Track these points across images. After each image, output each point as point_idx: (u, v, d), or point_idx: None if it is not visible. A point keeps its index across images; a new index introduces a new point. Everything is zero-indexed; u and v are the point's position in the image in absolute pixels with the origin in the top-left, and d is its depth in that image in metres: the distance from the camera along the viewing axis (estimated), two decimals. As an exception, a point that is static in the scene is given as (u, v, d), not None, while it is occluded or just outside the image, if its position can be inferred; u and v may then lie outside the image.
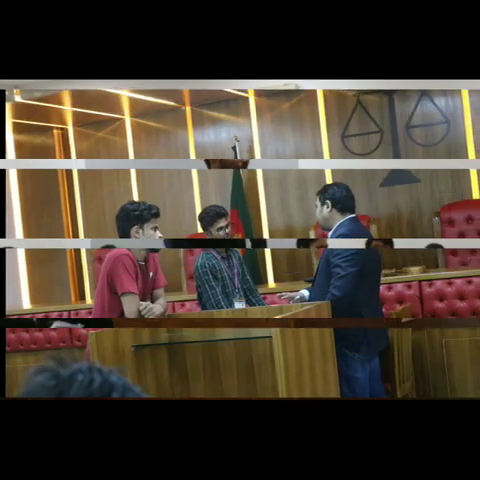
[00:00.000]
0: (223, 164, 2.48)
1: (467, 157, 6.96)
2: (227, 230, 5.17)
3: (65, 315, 6.38)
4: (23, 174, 8.45)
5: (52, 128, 8.33)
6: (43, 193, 8.41)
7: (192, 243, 4.99)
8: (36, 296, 8.37)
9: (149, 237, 4.42)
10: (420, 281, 5.41)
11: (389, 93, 7.18)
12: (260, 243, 4.20)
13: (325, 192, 4.66)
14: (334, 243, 3.89)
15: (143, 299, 4.45)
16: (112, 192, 8.20)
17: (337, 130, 7.40)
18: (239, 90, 7.41)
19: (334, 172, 7.38)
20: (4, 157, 2.46)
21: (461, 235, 6.62)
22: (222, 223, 5.16)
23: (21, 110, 7.24)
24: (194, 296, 5.49)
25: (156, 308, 4.43)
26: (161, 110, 7.93)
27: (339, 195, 4.61)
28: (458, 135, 7.00)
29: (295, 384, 3.74)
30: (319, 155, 7.43)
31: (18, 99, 6.64)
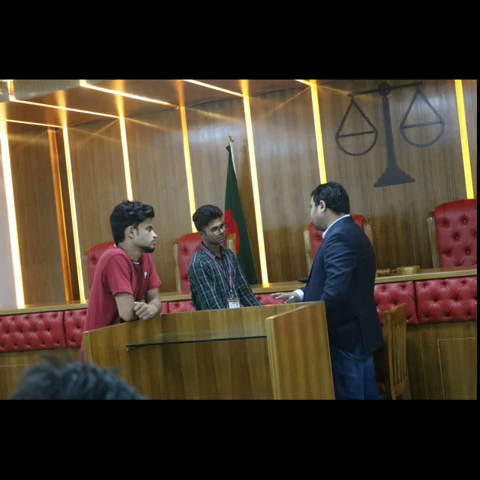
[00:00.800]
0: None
1: (461, 157, 6.97)
2: (222, 230, 5.17)
3: (59, 315, 6.37)
4: (18, 172, 8.44)
5: (46, 128, 8.32)
6: (37, 192, 8.39)
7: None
8: (30, 295, 8.36)
9: (144, 237, 4.42)
10: (414, 281, 5.42)
11: (383, 93, 7.19)
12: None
13: (319, 192, 4.66)
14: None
15: (137, 299, 4.45)
16: (106, 192, 8.20)
17: (331, 130, 7.41)
18: (233, 90, 7.41)
19: (329, 172, 7.39)
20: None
21: (456, 235, 6.63)
22: (216, 223, 5.16)
23: (16, 110, 7.23)
24: (189, 296, 5.49)
25: (150, 308, 4.43)
26: (155, 110, 7.93)
27: (333, 195, 4.61)
28: (452, 135, 7.01)
29: (289, 384, 3.75)
30: (313, 155, 7.44)
31: (12, 99, 6.63)
